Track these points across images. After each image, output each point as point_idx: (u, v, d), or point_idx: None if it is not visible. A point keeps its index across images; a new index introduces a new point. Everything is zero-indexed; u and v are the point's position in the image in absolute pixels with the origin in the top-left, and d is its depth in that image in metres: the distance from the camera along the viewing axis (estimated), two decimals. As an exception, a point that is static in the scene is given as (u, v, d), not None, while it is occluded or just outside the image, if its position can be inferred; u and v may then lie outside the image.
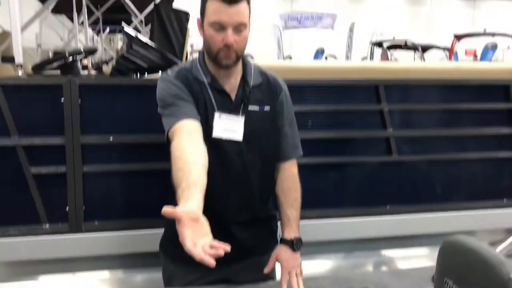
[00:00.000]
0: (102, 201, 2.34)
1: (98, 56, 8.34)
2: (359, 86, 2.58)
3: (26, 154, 2.23)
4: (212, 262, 1.22)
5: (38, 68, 2.64)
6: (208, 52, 1.77)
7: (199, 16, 1.77)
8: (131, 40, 2.44)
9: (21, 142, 2.22)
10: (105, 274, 2.38)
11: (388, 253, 2.69)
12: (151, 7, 6.36)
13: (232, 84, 1.85)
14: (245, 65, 1.87)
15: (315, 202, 2.53)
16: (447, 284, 1.39)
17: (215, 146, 1.82)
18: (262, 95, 1.89)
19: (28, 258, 2.27)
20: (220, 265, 1.92)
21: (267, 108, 1.90)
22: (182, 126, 1.67)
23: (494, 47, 13.39)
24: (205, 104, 1.81)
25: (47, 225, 2.27)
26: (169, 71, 1.85)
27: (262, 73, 1.92)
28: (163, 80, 1.82)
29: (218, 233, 1.86)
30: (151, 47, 2.43)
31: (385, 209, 2.62)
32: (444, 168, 2.72)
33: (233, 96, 1.84)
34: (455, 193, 2.73)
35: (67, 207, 2.28)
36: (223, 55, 1.71)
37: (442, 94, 2.71)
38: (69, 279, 2.34)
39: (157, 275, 2.19)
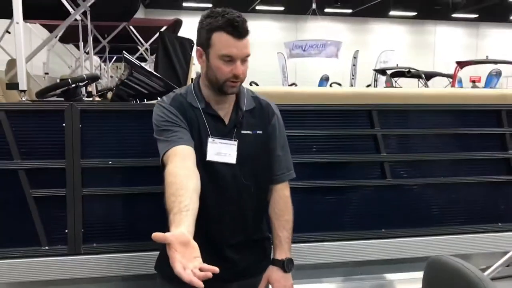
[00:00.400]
0: (101, 224, 2.39)
1: (104, 83, 8.50)
2: (353, 111, 2.65)
3: (28, 177, 2.29)
4: (200, 284, 1.26)
5: (42, 94, 2.73)
6: (213, 81, 1.83)
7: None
8: (132, 67, 2.53)
9: (23, 165, 2.28)
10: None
11: (383, 276, 2.70)
12: (156, 36, 6.53)
13: (225, 109, 1.92)
14: (239, 91, 1.94)
15: (310, 226, 2.57)
16: (431, 302, 1.43)
17: (209, 170, 1.88)
18: (254, 120, 1.96)
19: (28, 280, 2.30)
20: (215, 286, 1.97)
21: (259, 132, 1.96)
22: (176, 151, 1.74)
23: (498, 74, 13.50)
24: (199, 129, 1.88)
25: (47, 247, 2.32)
26: (164, 97, 1.93)
27: (254, 98, 1.99)
28: (158, 106, 1.89)
29: (212, 255, 1.92)
30: (151, 73, 2.51)
31: (380, 233, 2.65)
32: (438, 192, 2.75)
33: (226, 121, 1.91)
34: (449, 216, 2.75)
35: (67, 230, 2.33)
36: (229, 85, 1.80)
37: (435, 119, 2.76)
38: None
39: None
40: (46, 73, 8.40)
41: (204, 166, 1.87)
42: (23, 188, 2.29)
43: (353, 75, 17.86)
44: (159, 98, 1.98)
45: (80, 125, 2.32)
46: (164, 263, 2.03)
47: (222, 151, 1.89)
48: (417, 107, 2.73)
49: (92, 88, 5.69)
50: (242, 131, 1.92)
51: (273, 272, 1.91)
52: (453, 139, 2.78)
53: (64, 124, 2.30)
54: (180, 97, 1.91)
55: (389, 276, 2.71)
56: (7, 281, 2.30)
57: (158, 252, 2.08)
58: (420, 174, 2.73)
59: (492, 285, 1.28)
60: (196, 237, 1.92)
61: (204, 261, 1.93)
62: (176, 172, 1.64)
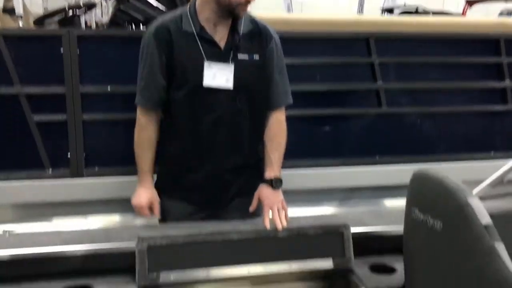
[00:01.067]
0: (102, 148, 2.46)
1: (105, 21, 8.39)
2: (350, 39, 2.64)
3: (29, 102, 2.34)
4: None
5: (39, 21, 2.72)
6: (224, 4, 1.84)
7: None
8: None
9: (24, 90, 2.32)
10: (104, 217, 2.50)
11: (377, 201, 2.77)
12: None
13: (221, 33, 1.92)
14: None
15: (307, 152, 2.63)
16: (414, 213, 1.49)
17: (204, 95, 1.91)
18: (251, 44, 1.96)
19: (32, 201, 2.39)
20: (211, 205, 2.05)
21: (256, 56, 1.97)
22: (145, 113, 2.00)
23: (509, 13, 13.12)
24: (192, 55, 1.89)
25: (50, 170, 2.39)
26: (154, 24, 1.95)
27: (252, 21, 1.99)
28: (145, 34, 1.96)
29: (211, 178, 1.99)
30: (146, 1, 2.50)
31: (374, 159, 2.70)
32: (432, 120, 2.79)
33: (222, 45, 1.92)
34: (443, 145, 2.79)
35: (69, 154, 2.40)
36: (242, 8, 1.83)
37: (432, 47, 2.75)
38: (69, 221, 2.46)
39: (154, 220, 2.31)
40: (46, 9, 8.26)
41: (200, 91, 1.91)
42: (24, 113, 2.34)
43: (359, 13, 17.46)
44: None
45: (78, 51, 2.33)
46: (163, 180, 2.12)
47: (218, 75, 1.91)
48: (415, 36, 2.72)
49: (92, 23, 5.63)
50: (239, 55, 1.93)
51: (263, 190, 1.96)
52: (449, 68, 2.78)
53: (62, 50, 2.32)
54: (170, 23, 1.92)
55: (383, 201, 2.78)
56: (12, 202, 2.39)
57: (157, 172, 2.16)
58: (415, 103, 2.75)
59: (471, 194, 1.32)
60: (194, 162, 2.00)
61: (204, 184, 2.02)
62: (146, 134, 2.01)
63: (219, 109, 1.94)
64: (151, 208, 2.04)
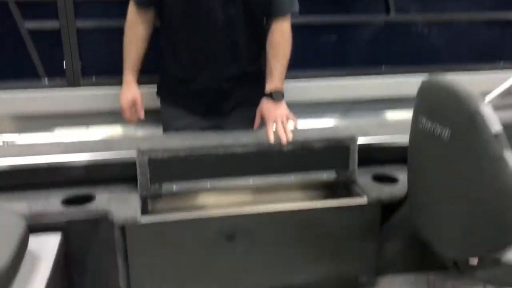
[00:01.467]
0: (99, 57, 2.38)
1: None
2: None
3: (20, 9, 2.22)
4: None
5: None
6: None
7: None
8: None
9: None
10: (105, 128, 2.46)
11: (382, 113, 2.72)
12: None
13: None
14: None
15: (309, 63, 2.55)
16: (421, 122, 1.45)
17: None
18: None
19: (29, 112, 2.33)
20: (212, 114, 2.02)
21: None
22: (135, 10, 1.96)
23: None
24: None
25: (46, 80, 2.33)
26: None
27: None
28: None
29: (208, 88, 1.93)
30: None
31: (379, 70, 2.62)
32: (441, 29, 2.67)
33: None
34: (451, 54, 2.70)
35: (64, 63, 2.32)
36: None
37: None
38: (70, 132, 2.43)
39: (156, 131, 2.29)
40: None
41: None
42: (15, 20, 2.23)
43: None
44: None
45: None
46: (163, 90, 2.08)
47: None
48: None
49: None
50: None
51: (264, 104, 1.91)
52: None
53: None
54: None
55: (388, 113, 2.74)
56: (9, 113, 2.35)
57: (158, 82, 2.11)
58: (424, 10, 2.62)
59: (482, 101, 1.28)
60: (191, 70, 1.93)
61: (203, 93, 1.97)
62: (133, 31, 1.99)
63: (212, 15, 1.85)
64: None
